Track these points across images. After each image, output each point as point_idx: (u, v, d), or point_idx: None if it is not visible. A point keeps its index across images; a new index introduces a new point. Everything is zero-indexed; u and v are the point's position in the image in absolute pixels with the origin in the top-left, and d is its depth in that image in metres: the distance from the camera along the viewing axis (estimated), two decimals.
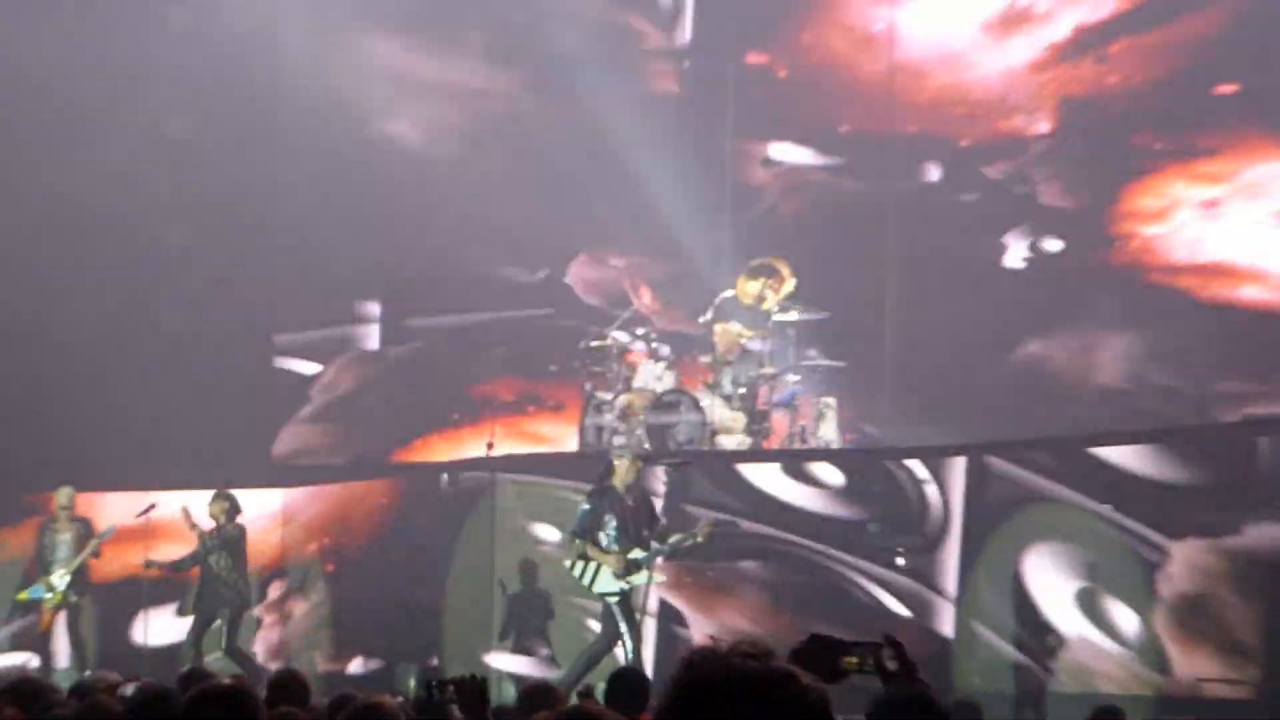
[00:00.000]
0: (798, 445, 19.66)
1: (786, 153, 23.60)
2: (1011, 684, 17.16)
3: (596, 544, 17.02)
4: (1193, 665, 16.16)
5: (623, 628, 17.04)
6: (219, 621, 19.50)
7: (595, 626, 18.08)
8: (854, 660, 5.25)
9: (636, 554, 16.90)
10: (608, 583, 16.94)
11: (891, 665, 5.35)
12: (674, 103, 24.12)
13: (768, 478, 18.82)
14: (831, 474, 18.66)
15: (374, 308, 24.99)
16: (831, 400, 20.05)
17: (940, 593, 17.85)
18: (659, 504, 18.06)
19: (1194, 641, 16.24)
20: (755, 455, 19.37)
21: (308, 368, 24.92)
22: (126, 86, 22.75)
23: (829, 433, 19.85)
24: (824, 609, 17.69)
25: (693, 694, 2.90)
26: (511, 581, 19.59)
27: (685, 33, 24.52)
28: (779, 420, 19.97)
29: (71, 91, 22.31)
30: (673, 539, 17.16)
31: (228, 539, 19.34)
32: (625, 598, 17.02)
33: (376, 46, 24.18)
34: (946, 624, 17.76)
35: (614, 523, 17.05)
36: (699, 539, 17.23)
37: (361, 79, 23.99)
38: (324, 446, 24.56)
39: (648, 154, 22.67)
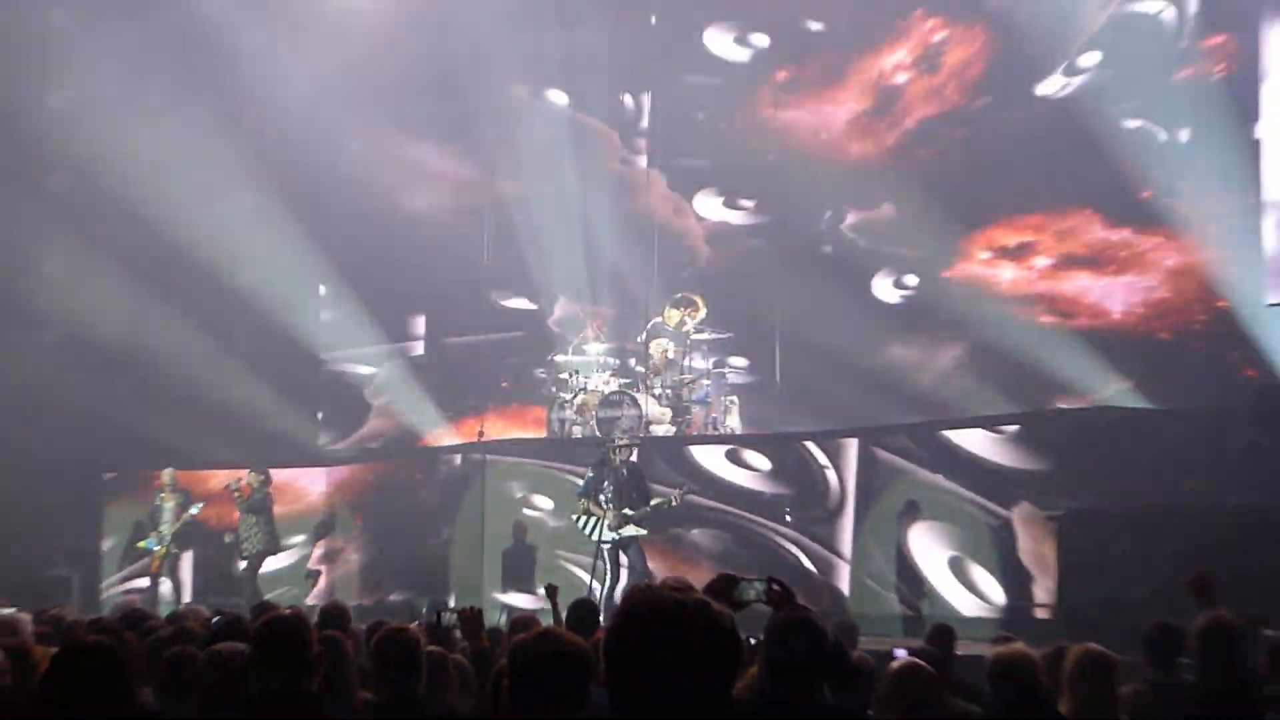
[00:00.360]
0: (710, 432, 19.81)
1: (709, 212, 23.74)
2: (895, 619, 17.12)
3: (597, 503, 17.14)
4: (1015, 594, 16.27)
5: (606, 567, 17.13)
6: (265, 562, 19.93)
7: (577, 573, 18.09)
8: (751, 593, 5.29)
9: (627, 511, 17.02)
10: (603, 533, 17.05)
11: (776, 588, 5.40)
12: (621, 181, 24.18)
13: (710, 460, 18.79)
14: (756, 458, 18.67)
15: (420, 324, 25.14)
16: (735, 398, 20.34)
17: (839, 554, 17.84)
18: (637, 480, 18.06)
19: (1017, 578, 16.36)
20: (679, 440, 19.44)
21: (364, 370, 25.11)
22: (211, 167, 22.70)
23: (734, 422, 20.09)
24: (752, 566, 17.56)
25: (631, 619, 2.93)
26: (505, 539, 19.58)
27: (642, 123, 24.60)
28: (697, 413, 20.07)
29: (173, 171, 22.27)
30: (654, 501, 17.26)
31: (255, 503, 19.66)
32: (615, 545, 17.12)
33: (403, 144, 24.23)
34: (844, 579, 17.76)
35: (610, 488, 17.15)
36: (674, 503, 17.32)
37: (390, 166, 24.13)
38: (383, 433, 24.73)
39: (605, 221, 22.91)
